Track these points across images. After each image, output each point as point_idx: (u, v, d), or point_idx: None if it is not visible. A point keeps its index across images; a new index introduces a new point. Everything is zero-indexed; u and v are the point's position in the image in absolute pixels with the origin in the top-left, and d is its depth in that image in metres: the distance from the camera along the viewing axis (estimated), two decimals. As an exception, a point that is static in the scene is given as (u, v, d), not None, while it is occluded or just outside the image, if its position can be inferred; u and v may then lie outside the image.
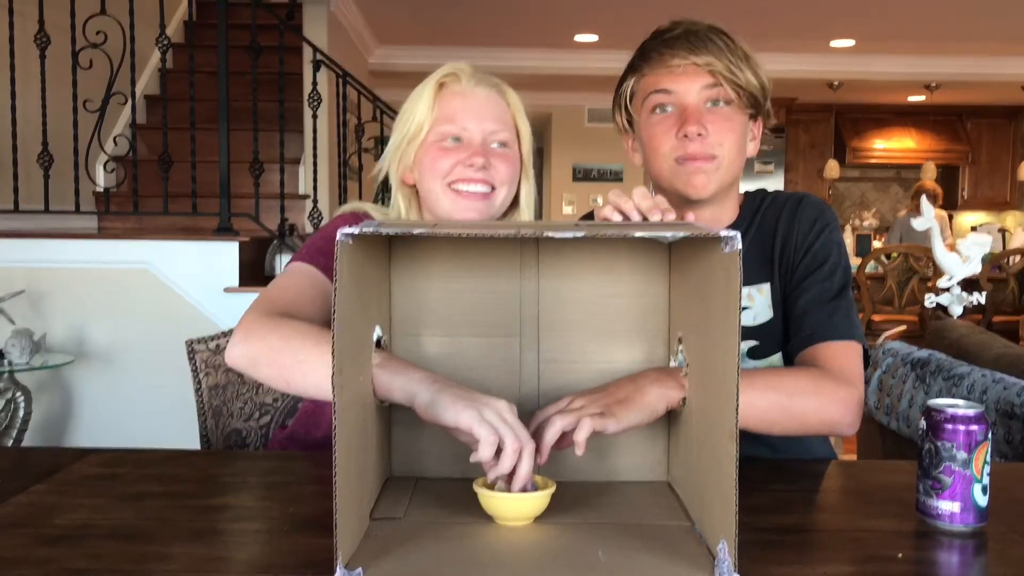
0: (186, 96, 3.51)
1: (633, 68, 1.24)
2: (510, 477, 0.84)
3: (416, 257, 1.00)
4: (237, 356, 1.04)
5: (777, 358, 1.22)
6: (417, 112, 1.23)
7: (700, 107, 1.17)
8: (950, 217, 7.65)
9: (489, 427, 0.82)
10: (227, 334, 1.62)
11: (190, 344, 1.59)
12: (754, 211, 1.27)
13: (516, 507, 0.85)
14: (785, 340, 1.21)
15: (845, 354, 1.12)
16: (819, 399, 1.05)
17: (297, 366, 0.99)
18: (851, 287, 1.20)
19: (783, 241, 1.22)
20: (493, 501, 0.85)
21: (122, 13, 3.41)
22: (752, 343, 1.22)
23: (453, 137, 1.21)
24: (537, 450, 0.85)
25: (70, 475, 1.04)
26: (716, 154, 1.18)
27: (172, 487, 1.02)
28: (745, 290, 1.20)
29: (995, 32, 5.87)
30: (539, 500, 0.85)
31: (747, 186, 1.33)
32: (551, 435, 0.87)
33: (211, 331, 1.71)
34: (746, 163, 1.27)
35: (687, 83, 1.17)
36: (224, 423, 1.57)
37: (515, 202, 1.30)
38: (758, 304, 1.22)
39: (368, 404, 0.88)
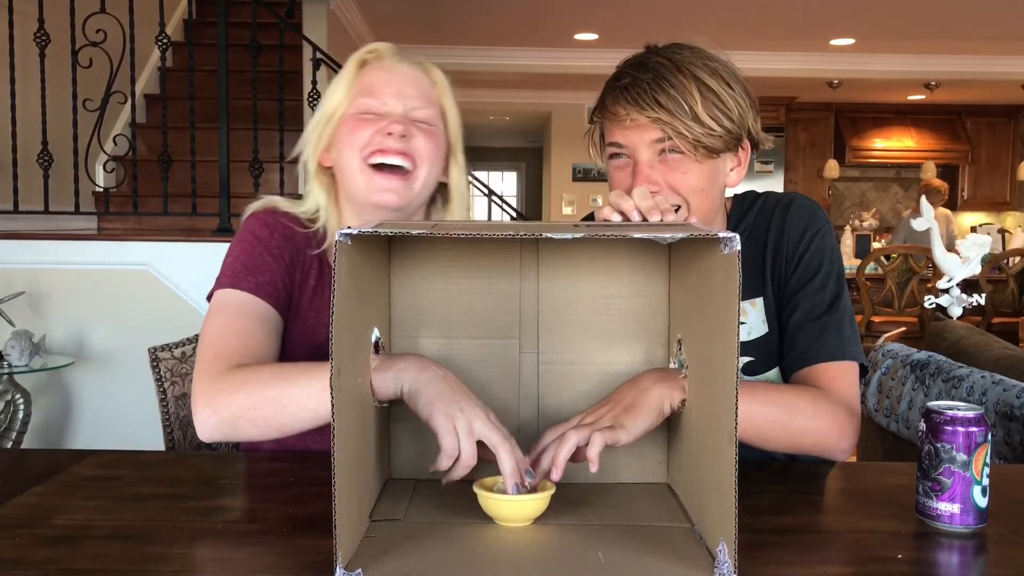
0: (186, 95, 3.51)
1: (594, 112, 1.19)
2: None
3: (415, 257, 1.00)
4: (212, 427, 1.00)
5: (774, 374, 1.20)
6: (336, 90, 1.19)
7: (652, 160, 1.11)
8: (950, 217, 7.65)
9: (453, 439, 0.84)
10: (193, 340, 1.52)
11: (153, 352, 1.49)
12: (742, 219, 1.23)
13: (515, 508, 0.85)
14: (781, 355, 1.19)
15: (843, 376, 1.10)
16: (818, 421, 1.04)
17: (283, 411, 0.97)
18: (846, 294, 1.16)
19: (774, 252, 1.19)
20: (492, 502, 0.85)
21: (122, 11, 3.41)
22: (748, 359, 1.20)
23: (373, 111, 1.16)
24: (553, 466, 0.87)
25: (70, 476, 1.04)
26: (677, 204, 1.12)
27: (172, 488, 1.02)
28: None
29: (995, 31, 5.87)
30: (538, 502, 0.86)
31: (746, 185, 1.32)
32: (566, 451, 0.87)
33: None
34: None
35: (635, 137, 1.11)
36: (193, 434, 1.47)
37: (445, 192, 1.25)
38: (752, 319, 1.20)
39: (367, 405, 0.88)
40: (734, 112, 1.11)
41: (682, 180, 1.12)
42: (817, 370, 1.11)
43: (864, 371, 1.14)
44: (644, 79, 1.10)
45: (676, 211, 1.12)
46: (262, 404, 0.98)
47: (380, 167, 1.15)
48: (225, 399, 0.99)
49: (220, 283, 1.14)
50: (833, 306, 1.14)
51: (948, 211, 6.89)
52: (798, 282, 1.17)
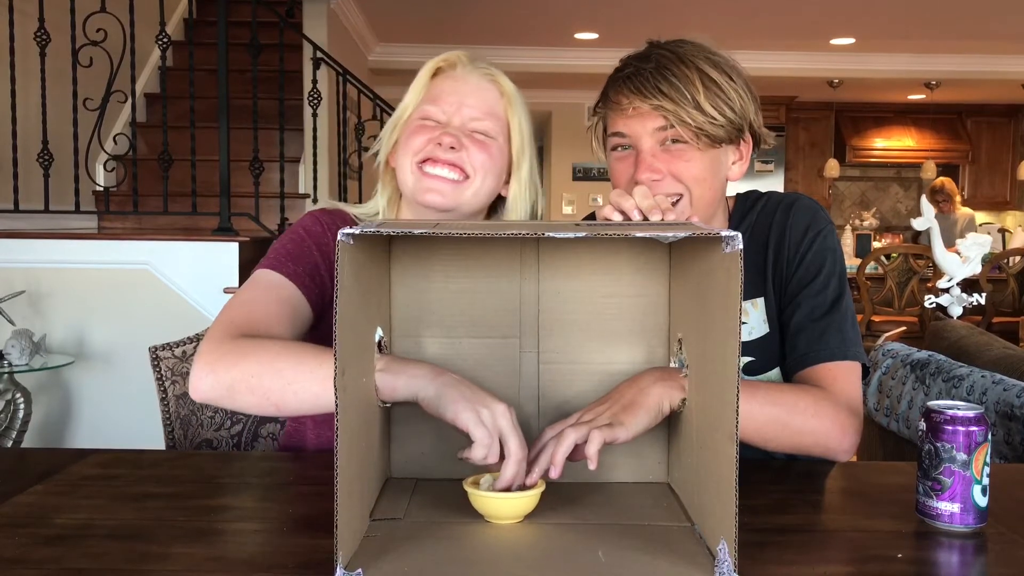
0: (186, 94, 3.51)
1: (597, 104, 1.20)
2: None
3: (416, 257, 1.00)
4: (208, 388, 0.98)
5: (775, 374, 1.20)
6: (409, 94, 1.22)
7: (655, 148, 1.12)
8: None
9: (486, 431, 0.84)
10: (193, 339, 1.53)
11: (154, 351, 1.49)
12: (744, 218, 1.23)
13: (505, 506, 0.85)
14: (782, 355, 1.19)
15: (845, 376, 1.10)
16: (819, 421, 1.04)
17: (287, 387, 0.95)
18: (848, 295, 1.16)
19: (775, 252, 1.19)
20: (482, 500, 0.85)
21: (122, 11, 3.41)
22: (748, 359, 1.20)
23: (433, 119, 1.19)
24: (552, 464, 0.86)
25: (70, 476, 1.04)
26: (679, 192, 1.13)
27: (172, 488, 1.02)
28: None
29: (995, 30, 5.87)
30: (528, 499, 0.85)
31: (746, 185, 1.32)
32: (564, 448, 0.87)
33: (211, 331, 1.69)
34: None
35: (638, 127, 1.12)
36: (193, 433, 1.49)
37: (503, 204, 1.26)
38: (753, 319, 1.20)
39: (370, 405, 0.88)
40: (736, 103, 1.12)
41: (685, 168, 1.12)
42: (819, 370, 1.11)
43: (866, 371, 1.14)
44: (647, 68, 1.11)
45: (677, 201, 1.12)
46: (267, 375, 0.96)
47: (429, 172, 1.17)
48: (228, 363, 0.98)
49: (262, 264, 1.16)
50: (834, 307, 1.14)
51: (970, 210, 6.90)
52: (799, 283, 1.17)
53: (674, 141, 1.12)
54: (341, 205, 1.27)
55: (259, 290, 1.11)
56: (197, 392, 0.99)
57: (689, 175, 1.12)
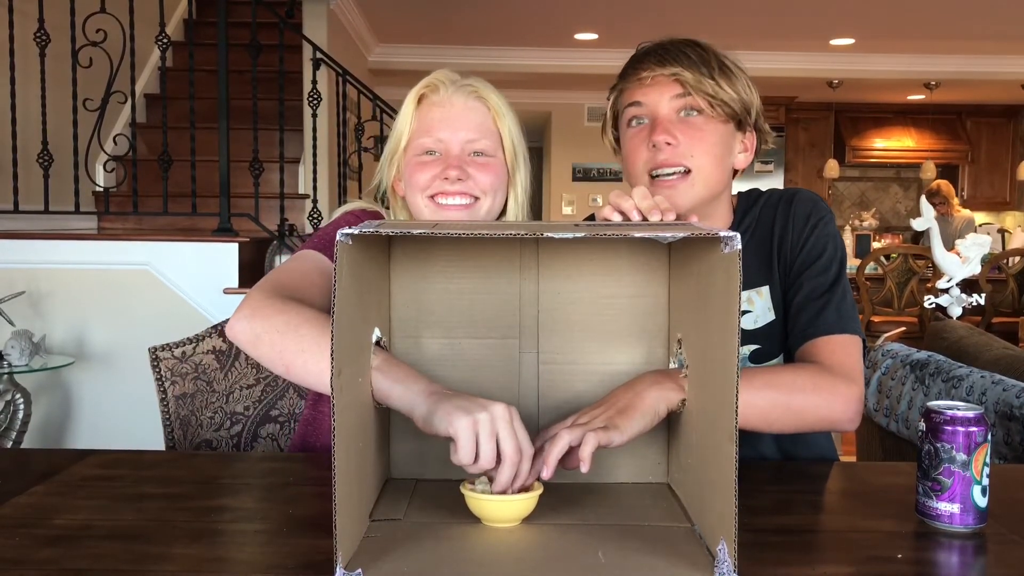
0: (186, 95, 3.51)
1: (613, 87, 1.27)
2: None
3: (416, 258, 1.00)
4: (240, 331, 1.04)
5: (780, 361, 1.22)
6: (399, 124, 1.26)
7: (672, 117, 1.18)
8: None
9: (470, 448, 0.82)
10: (193, 340, 1.54)
11: (153, 351, 1.50)
12: (747, 213, 1.26)
13: (500, 509, 0.85)
14: (787, 341, 1.21)
15: (843, 348, 1.12)
16: (819, 396, 1.05)
17: (300, 353, 1.00)
18: (846, 278, 1.20)
19: (779, 241, 1.22)
20: (477, 502, 0.85)
21: (122, 11, 3.41)
22: (754, 347, 1.21)
23: (429, 150, 1.23)
24: (544, 464, 0.86)
25: (70, 476, 1.04)
26: (688, 165, 1.16)
27: (172, 488, 1.02)
28: (744, 294, 1.20)
29: (995, 31, 5.87)
30: (523, 503, 0.85)
31: (747, 186, 1.33)
32: (558, 450, 0.86)
33: (210, 332, 1.69)
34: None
35: (656, 94, 1.18)
36: (193, 434, 1.50)
37: (504, 213, 1.30)
38: (758, 307, 1.22)
39: (367, 405, 0.88)
40: (744, 89, 1.20)
41: (699, 139, 1.17)
42: (818, 344, 1.13)
43: (865, 350, 1.16)
44: (665, 44, 1.20)
45: (686, 174, 1.16)
46: (288, 334, 1.01)
47: (443, 204, 1.22)
48: (266, 313, 1.04)
49: (307, 244, 1.21)
50: (834, 286, 1.17)
51: (969, 212, 6.91)
52: (802, 264, 1.20)
53: (688, 113, 1.17)
54: (379, 208, 1.31)
55: (303, 263, 1.18)
56: (231, 331, 1.06)
57: (702, 146, 1.17)
